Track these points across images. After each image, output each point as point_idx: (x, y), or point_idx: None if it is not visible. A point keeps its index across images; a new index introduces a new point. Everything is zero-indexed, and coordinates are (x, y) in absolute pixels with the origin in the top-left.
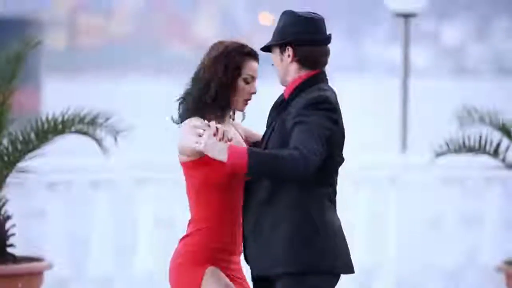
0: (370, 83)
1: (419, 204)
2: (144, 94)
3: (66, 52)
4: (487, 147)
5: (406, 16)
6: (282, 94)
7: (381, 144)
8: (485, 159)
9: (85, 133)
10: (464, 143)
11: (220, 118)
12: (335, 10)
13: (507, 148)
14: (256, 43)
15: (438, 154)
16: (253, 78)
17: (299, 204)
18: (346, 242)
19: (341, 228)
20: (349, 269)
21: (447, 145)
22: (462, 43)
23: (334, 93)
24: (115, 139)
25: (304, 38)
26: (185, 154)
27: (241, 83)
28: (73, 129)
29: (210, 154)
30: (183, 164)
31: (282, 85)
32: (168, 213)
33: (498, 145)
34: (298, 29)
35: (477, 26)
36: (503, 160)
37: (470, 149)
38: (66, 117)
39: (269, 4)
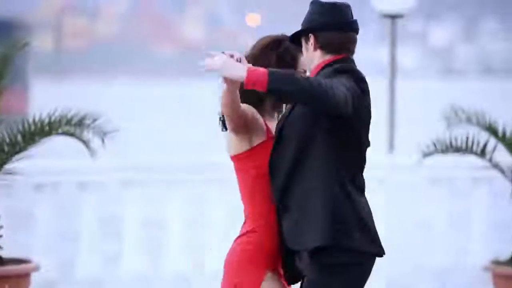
0: None
1: (407, 204)
2: (131, 95)
3: (53, 54)
4: (474, 147)
5: (393, 17)
6: None
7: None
8: (472, 159)
9: (72, 135)
10: (451, 143)
11: (271, 113)
12: None
13: (494, 148)
14: (243, 44)
15: (426, 155)
16: (305, 72)
17: (324, 184)
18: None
19: (368, 212)
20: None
21: (434, 145)
22: (449, 44)
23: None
24: (102, 140)
25: (324, 24)
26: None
27: None
28: (60, 130)
29: (227, 73)
30: (234, 157)
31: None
32: (155, 215)
33: (485, 145)
34: (319, 16)
35: (465, 26)
36: (490, 160)
37: (457, 149)
38: (53, 118)
39: (256, 5)
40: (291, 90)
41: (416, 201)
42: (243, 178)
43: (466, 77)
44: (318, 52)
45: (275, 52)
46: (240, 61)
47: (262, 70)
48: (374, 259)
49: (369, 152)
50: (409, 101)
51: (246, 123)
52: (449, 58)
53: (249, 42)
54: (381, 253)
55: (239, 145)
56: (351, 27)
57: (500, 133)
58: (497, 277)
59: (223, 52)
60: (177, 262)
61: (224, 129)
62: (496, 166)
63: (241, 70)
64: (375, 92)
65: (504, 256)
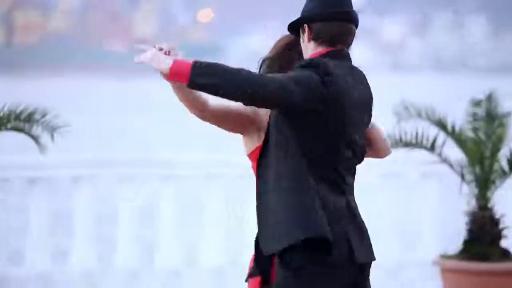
0: None
1: (358, 200)
2: (82, 91)
3: (4, 48)
4: (424, 142)
5: None
6: None
7: None
8: (421, 154)
9: (21, 130)
10: (401, 138)
11: None
12: (270, 9)
13: (443, 143)
14: (195, 40)
15: None
16: None
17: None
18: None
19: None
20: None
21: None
22: (401, 39)
23: (349, 72)
24: (52, 136)
25: (319, 14)
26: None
27: None
28: (9, 126)
29: (154, 65)
30: (250, 155)
31: None
32: (106, 210)
33: (435, 140)
34: (315, 5)
35: (416, 22)
36: (440, 154)
37: (407, 144)
38: (1, 114)
39: (207, 1)
40: (212, 83)
41: (366, 197)
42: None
43: (417, 72)
44: (312, 44)
45: (296, 51)
46: (169, 54)
47: (188, 62)
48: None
49: None
50: None
51: (242, 122)
52: (401, 53)
53: (200, 38)
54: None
55: (250, 143)
56: (348, 18)
57: (449, 128)
58: (445, 271)
59: (155, 47)
60: (128, 257)
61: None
62: (445, 160)
63: (166, 63)
64: None
65: (452, 250)
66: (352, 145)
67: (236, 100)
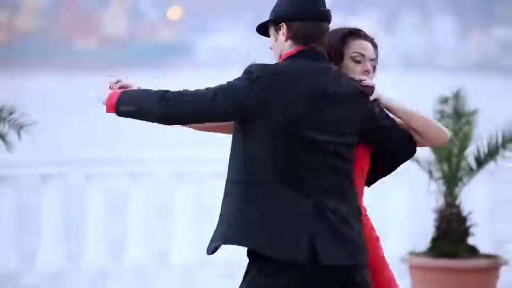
0: None
1: None
2: (51, 90)
3: None
4: None
5: None
6: None
7: None
8: None
9: None
10: None
11: None
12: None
13: None
14: (165, 38)
15: None
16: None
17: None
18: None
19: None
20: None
21: None
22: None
23: (317, 71)
24: (19, 134)
25: (299, 13)
26: None
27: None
28: None
29: (103, 100)
30: None
31: None
32: (75, 208)
33: None
34: (289, 5)
35: (384, 20)
36: None
37: None
38: None
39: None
40: (132, 111)
41: None
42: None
43: (385, 70)
44: (289, 42)
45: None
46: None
47: (118, 92)
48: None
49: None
50: None
51: None
52: None
53: (170, 36)
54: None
55: None
56: (326, 18)
57: None
58: (414, 268)
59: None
60: (96, 256)
61: None
62: (413, 158)
63: (104, 97)
64: None
65: (421, 248)
66: (317, 144)
67: (159, 122)
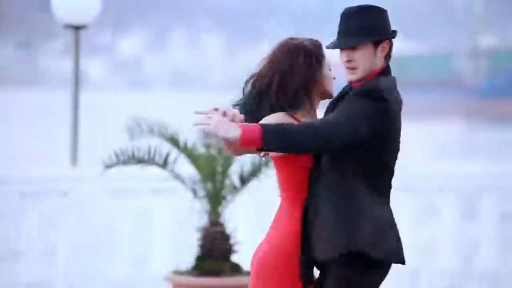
0: (45, 96)
1: (91, 217)
2: None
3: None
4: (156, 158)
5: (77, 28)
6: (348, 86)
7: (51, 157)
8: (154, 170)
9: None
10: (133, 154)
11: (309, 110)
12: (150, 12)
13: (175, 159)
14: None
15: (108, 166)
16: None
17: (343, 192)
18: (391, 234)
19: (386, 222)
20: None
21: (117, 156)
22: (137, 55)
23: (394, 85)
24: None
25: (394, 32)
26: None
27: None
28: None
29: (222, 134)
30: (272, 158)
31: (355, 81)
32: (9, 228)
33: (167, 156)
34: (389, 23)
35: (153, 38)
36: (172, 171)
37: (140, 161)
38: None
39: None
40: (283, 146)
41: (99, 213)
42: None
43: (154, 89)
44: (383, 60)
45: (301, 56)
46: (232, 118)
47: (255, 128)
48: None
49: (51, 165)
50: (96, 113)
51: None
52: (137, 69)
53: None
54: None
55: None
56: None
57: (182, 144)
58: (177, 287)
59: (216, 109)
60: (31, 272)
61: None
62: (177, 177)
63: (235, 131)
64: (59, 104)
65: (185, 266)
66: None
67: (308, 152)
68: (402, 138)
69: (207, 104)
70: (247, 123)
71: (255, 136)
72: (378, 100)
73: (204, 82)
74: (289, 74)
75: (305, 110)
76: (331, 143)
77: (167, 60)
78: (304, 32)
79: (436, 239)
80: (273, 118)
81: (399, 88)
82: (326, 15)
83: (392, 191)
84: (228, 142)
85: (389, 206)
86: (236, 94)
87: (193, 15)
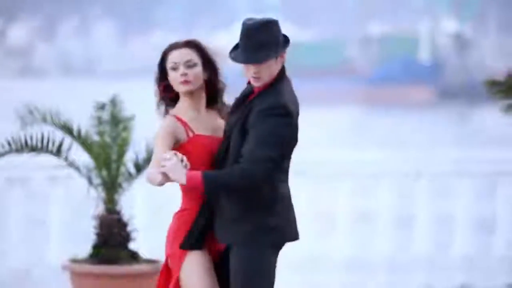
0: None
1: None
2: None
3: None
4: (50, 146)
5: None
6: (250, 86)
7: None
8: (48, 158)
9: None
10: (26, 142)
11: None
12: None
13: (69, 147)
14: None
15: (0, 154)
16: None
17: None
18: (290, 214)
19: (287, 204)
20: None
21: (9, 144)
22: (28, 43)
23: (291, 89)
24: None
25: (285, 39)
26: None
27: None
28: None
29: (173, 177)
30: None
31: (258, 86)
32: None
33: (61, 144)
34: (281, 33)
35: (44, 26)
36: (66, 159)
37: (33, 149)
38: None
39: None
40: (224, 191)
41: None
42: None
43: (45, 77)
44: (279, 65)
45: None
46: (186, 165)
47: (197, 176)
48: None
49: None
50: None
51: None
52: (28, 57)
53: None
54: None
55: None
56: None
57: (75, 132)
58: (75, 275)
59: (175, 154)
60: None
61: None
62: (71, 164)
63: (182, 177)
64: None
65: (82, 255)
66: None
67: (246, 190)
68: None
69: (97, 92)
70: (191, 172)
71: (198, 183)
72: (284, 116)
73: (94, 70)
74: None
75: (181, 108)
76: (259, 176)
77: (56, 48)
78: (195, 20)
79: (333, 224)
80: (163, 123)
81: (291, 76)
82: (215, 3)
83: (289, 177)
84: (167, 180)
85: (289, 189)
86: (125, 81)
87: (83, 2)
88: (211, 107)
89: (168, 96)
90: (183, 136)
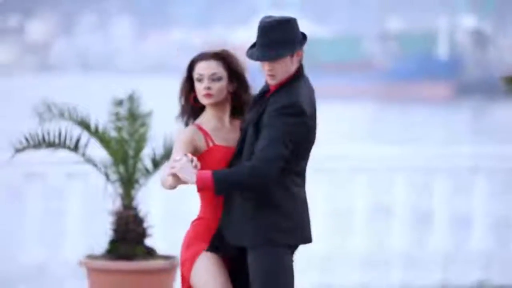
0: None
1: (3, 201)
2: None
3: None
4: (67, 142)
5: None
6: (267, 84)
7: None
8: (65, 154)
9: None
10: (44, 138)
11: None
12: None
13: (87, 143)
14: None
15: (18, 150)
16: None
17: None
18: (302, 217)
19: (300, 206)
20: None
21: (27, 140)
22: (46, 39)
23: (309, 89)
24: None
25: (304, 38)
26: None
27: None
28: None
29: (182, 176)
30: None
31: (274, 84)
32: None
33: (78, 140)
34: (299, 32)
35: (62, 22)
36: (83, 154)
37: (50, 144)
38: None
39: None
40: (234, 189)
41: (12, 197)
42: None
43: (63, 73)
44: (296, 65)
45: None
46: (196, 165)
47: (207, 175)
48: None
49: None
50: (4, 97)
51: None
52: (45, 53)
53: None
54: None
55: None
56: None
57: (92, 128)
58: (92, 271)
59: (185, 155)
60: None
61: None
62: (89, 160)
63: (193, 176)
64: None
65: (99, 251)
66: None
67: (255, 189)
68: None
69: (115, 88)
70: (201, 171)
71: (207, 182)
72: (297, 116)
73: (113, 66)
74: None
75: (204, 118)
76: (269, 175)
77: (75, 44)
78: (213, 15)
79: (350, 219)
80: (182, 132)
81: (309, 72)
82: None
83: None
84: (178, 181)
85: (305, 193)
86: (143, 77)
87: None
88: (236, 117)
89: (197, 106)
90: (202, 145)
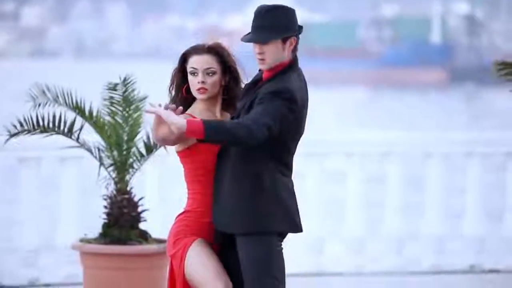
0: None
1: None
2: None
3: None
4: (62, 127)
5: None
6: (260, 73)
7: None
8: (59, 139)
9: None
10: (38, 122)
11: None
12: None
13: (81, 128)
14: None
15: (12, 134)
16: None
17: (254, 174)
18: (292, 206)
19: (289, 195)
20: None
21: (21, 125)
22: (41, 24)
23: (302, 83)
24: None
25: (300, 28)
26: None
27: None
28: None
29: (170, 121)
30: (177, 153)
31: (265, 69)
32: None
33: (72, 124)
34: (296, 20)
35: (57, 7)
36: (78, 139)
37: (45, 129)
38: None
39: None
40: (222, 139)
41: (5, 182)
42: (186, 169)
43: (58, 58)
44: (289, 53)
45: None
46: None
47: (197, 121)
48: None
49: None
50: (0, 83)
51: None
52: (40, 38)
53: None
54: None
55: (178, 145)
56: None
57: (87, 112)
58: (85, 255)
59: (159, 104)
60: None
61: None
62: (83, 145)
63: (181, 122)
64: None
65: (92, 235)
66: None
67: (240, 145)
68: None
69: (110, 73)
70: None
71: (199, 129)
72: (289, 101)
73: (108, 51)
74: None
75: (196, 109)
76: (256, 136)
77: (70, 29)
78: (208, 1)
79: (343, 203)
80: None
81: (303, 57)
82: None
83: (299, 157)
84: (166, 137)
85: (293, 185)
86: (138, 62)
87: None
88: (227, 110)
89: (189, 96)
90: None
